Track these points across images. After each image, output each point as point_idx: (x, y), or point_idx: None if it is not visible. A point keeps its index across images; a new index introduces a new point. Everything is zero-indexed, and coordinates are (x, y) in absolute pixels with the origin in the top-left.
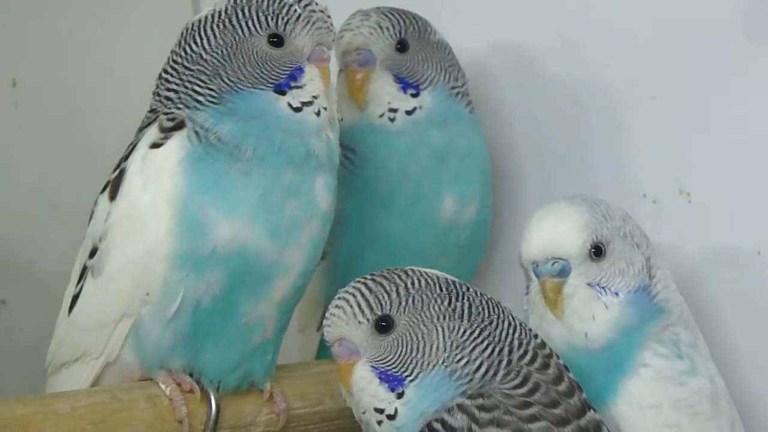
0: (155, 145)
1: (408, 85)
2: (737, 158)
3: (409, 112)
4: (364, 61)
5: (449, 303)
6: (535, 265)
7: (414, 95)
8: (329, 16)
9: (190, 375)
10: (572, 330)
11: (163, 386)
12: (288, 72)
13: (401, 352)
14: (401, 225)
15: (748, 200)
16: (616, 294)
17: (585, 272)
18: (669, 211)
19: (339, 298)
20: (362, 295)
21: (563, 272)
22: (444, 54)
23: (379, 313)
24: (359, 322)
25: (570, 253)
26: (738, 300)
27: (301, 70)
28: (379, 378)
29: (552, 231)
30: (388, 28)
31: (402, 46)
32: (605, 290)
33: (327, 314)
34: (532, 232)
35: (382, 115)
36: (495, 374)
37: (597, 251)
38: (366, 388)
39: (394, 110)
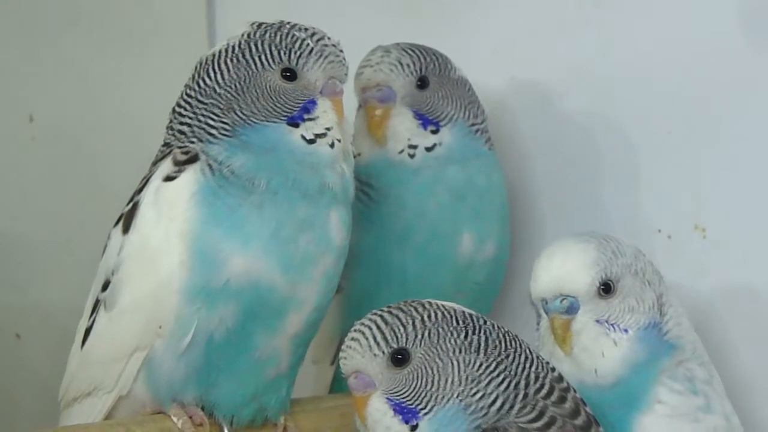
0: (169, 179)
1: (428, 121)
2: (753, 193)
3: (428, 149)
4: (384, 98)
5: (465, 336)
6: (544, 302)
7: (434, 132)
8: (341, 50)
9: (203, 408)
10: (582, 367)
11: (175, 419)
12: (301, 105)
13: (416, 384)
14: (418, 261)
15: (764, 235)
16: (626, 331)
17: (594, 309)
18: (684, 247)
19: (355, 331)
20: (378, 327)
21: (572, 309)
22: (464, 91)
23: (395, 345)
24: (375, 354)
25: (578, 291)
26: (753, 335)
27: (314, 102)
28: (394, 410)
29: (560, 268)
30: (408, 65)
31: (422, 83)
32: (614, 327)
33: (343, 346)
34: (541, 270)
35: (401, 151)
36: (511, 408)
37: (606, 288)
38: (380, 420)
39: (414, 146)
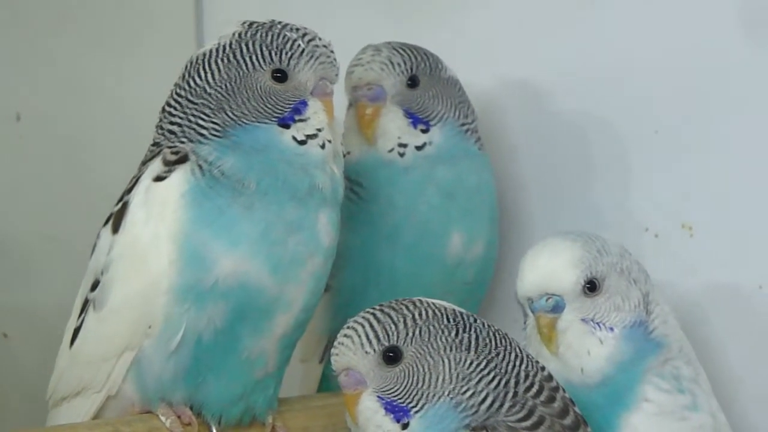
0: (158, 179)
1: (418, 120)
2: (739, 192)
3: (418, 148)
4: (374, 97)
5: (456, 334)
6: (530, 301)
7: (424, 131)
8: (332, 51)
9: (191, 408)
10: (568, 365)
11: (163, 418)
12: (292, 106)
13: (407, 383)
14: (407, 260)
15: (750, 234)
16: (611, 329)
17: (579, 308)
18: (671, 245)
19: (347, 328)
20: (370, 325)
21: (557, 308)
22: (454, 90)
23: (387, 343)
24: (366, 352)
25: (563, 289)
26: (740, 334)
27: (304, 103)
28: (385, 408)
29: (545, 267)
30: (399, 64)
31: (413, 82)
32: (600, 326)
33: (335, 344)
34: (527, 269)
35: (391, 150)
36: (500, 406)
37: (591, 287)
38: (372, 419)
39: (404, 145)
